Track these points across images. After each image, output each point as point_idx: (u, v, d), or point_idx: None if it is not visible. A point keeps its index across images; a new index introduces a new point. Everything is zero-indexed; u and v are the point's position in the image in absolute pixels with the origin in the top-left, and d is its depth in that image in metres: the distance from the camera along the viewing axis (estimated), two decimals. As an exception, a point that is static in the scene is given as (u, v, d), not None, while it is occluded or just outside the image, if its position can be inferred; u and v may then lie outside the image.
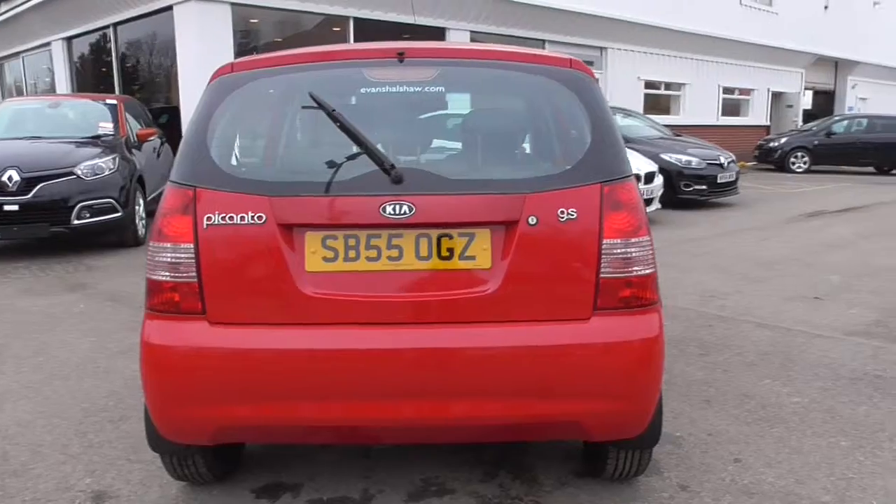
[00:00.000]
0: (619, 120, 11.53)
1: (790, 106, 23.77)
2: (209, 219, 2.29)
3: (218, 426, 2.36)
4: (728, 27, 19.08)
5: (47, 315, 5.25)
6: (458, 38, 14.01)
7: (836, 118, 20.65)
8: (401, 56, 2.46)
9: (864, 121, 19.39)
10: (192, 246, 2.29)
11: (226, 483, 2.79)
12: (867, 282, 6.25)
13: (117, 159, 7.82)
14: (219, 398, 2.31)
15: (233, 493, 2.75)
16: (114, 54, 13.75)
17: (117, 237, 7.91)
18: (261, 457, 2.98)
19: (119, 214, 7.62)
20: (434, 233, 2.29)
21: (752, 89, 22.21)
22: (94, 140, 8.19)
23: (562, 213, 2.29)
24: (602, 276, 2.29)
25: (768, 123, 23.12)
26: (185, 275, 2.30)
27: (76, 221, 7.30)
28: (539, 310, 2.31)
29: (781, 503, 2.66)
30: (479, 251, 2.29)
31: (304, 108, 2.55)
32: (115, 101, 9.11)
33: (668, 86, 19.32)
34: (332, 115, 2.36)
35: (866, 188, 14.90)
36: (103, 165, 7.61)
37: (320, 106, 2.40)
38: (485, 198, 2.30)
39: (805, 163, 18.72)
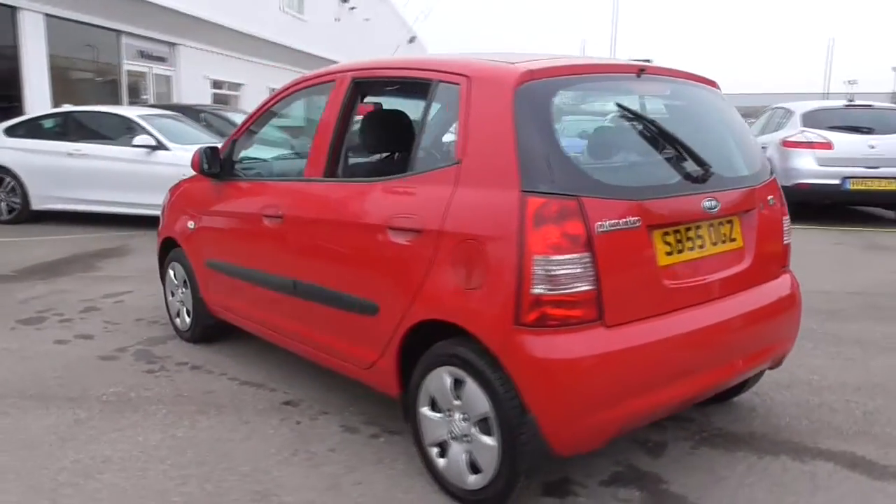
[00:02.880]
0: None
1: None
2: (600, 226, 2.43)
3: (621, 424, 2.52)
4: (275, 32, 20.07)
5: None
6: (31, 20, 12.14)
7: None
8: (640, 72, 2.92)
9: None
10: (588, 255, 2.40)
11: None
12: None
13: None
14: (623, 397, 2.48)
15: None
16: None
17: None
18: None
19: None
20: (716, 222, 2.89)
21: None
22: None
23: (770, 199, 3.15)
24: (785, 243, 3.24)
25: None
26: (582, 284, 2.39)
27: None
28: (764, 273, 3.10)
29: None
30: (737, 234, 2.99)
31: (620, 116, 2.81)
32: None
33: (230, 85, 19.48)
34: (655, 124, 2.75)
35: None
36: None
37: (638, 117, 2.79)
38: (744, 191, 3.02)
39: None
